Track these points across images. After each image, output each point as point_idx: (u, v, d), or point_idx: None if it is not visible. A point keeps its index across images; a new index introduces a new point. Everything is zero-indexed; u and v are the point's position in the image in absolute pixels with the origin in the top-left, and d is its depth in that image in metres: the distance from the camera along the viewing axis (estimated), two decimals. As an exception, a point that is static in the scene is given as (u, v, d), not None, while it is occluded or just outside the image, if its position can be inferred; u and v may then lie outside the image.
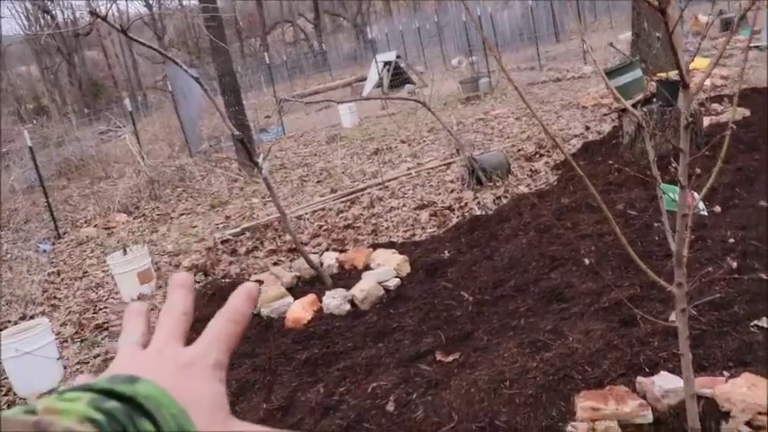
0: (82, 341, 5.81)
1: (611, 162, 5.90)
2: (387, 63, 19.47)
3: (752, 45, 13.24)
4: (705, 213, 4.11)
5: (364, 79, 21.87)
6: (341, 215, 7.55)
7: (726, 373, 3.02)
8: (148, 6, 37.41)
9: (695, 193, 2.43)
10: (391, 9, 47.27)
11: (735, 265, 2.26)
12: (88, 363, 5.36)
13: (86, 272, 8.00)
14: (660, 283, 2.39)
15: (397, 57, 20.43)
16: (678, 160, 2.30)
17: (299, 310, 4.64)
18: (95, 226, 10.21)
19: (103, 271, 7.64)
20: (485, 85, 15.15)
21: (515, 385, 3.18)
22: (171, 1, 41.13)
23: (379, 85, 19.06)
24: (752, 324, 3.35)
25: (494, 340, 3.79)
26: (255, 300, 0.56)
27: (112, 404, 0.42)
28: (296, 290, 5.16)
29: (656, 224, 4.63)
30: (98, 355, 5.44)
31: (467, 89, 15.16)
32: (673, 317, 2.40)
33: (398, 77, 19.54)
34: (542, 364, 3.28)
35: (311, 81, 30.29)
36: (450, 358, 3.72)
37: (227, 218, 8.89)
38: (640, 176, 3.84)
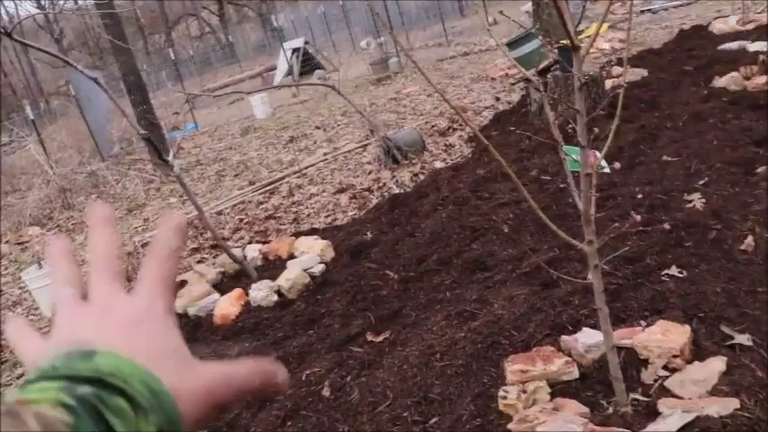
0: (2, 363, 5.57)
1: (521, 131, 6.03)
2: (295, 50, 19.28)
3: (644, 9, 13.76)
4: (608, 171, 4.26)
5: (274, 69, 21.62)
6: (261, 207, 7.46)
7: (642, 323, 3.16)
8: (40, 7, 35.77)
9: (596, 152, 2.51)
10: (295, -5, 46.73)
11: (638, 218, 2.35)
12: (11, 385, 5.15)
13: (1, 290, 7.66)
14: (571, 242, 2.47)
15: (306, 43, 20.25)
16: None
17: (227, 306, 4.58)
18: (7, 242, 9.77)
19: (20, 288, 7.33)
20: (394, 64, 15.20)
21: (446, 357, 3.23)
22: (65, 2, 39.46)
23: (290, 73, 18.87)
24: (663, 273, 3.50)
25: (422, 315, 3.83)
26: (184, 230, 0.53)
27: (82, 389, 0.41)
28: (222, 286, 5.08)
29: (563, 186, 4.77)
30: (21, 375, 5.23)
31: (377, 70, 15.19)
32: (590, 276, 2.48)
33: (308, 64, 19.38)
34: (470, 334, 3.34)
35: (221, 74, 29.71)
36: (381, 338, 3.75)
37: (146, 220, 8.66)
38: (549, 142, 3.95)
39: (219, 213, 7.62)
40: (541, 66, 6.26)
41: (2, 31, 3.27)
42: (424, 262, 4.47)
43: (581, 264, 3.82)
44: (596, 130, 2.31)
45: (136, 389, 0.43)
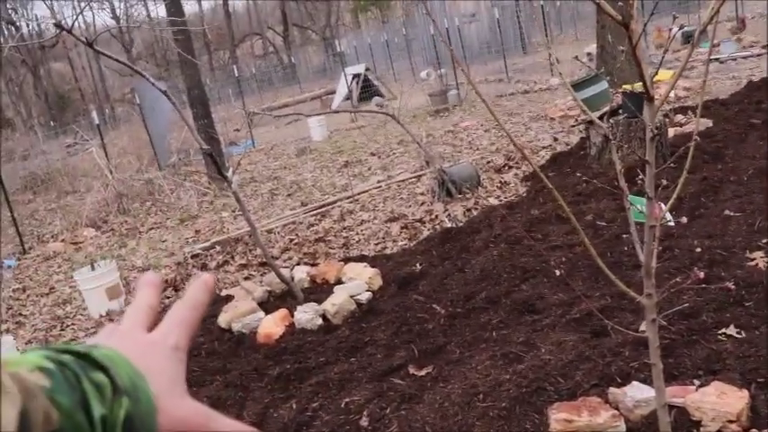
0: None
1: (579, 173, 5.96)
2: (356, 76, 19.52)
3: (712, 57, 13.55)
4: (672, 224, 4.16)
5: (333, 92, 21.90)
6: (311, 228, 7.52)
7: (696, 381, 3.05)
8: (116, 19, 37.09)
9: (662, 204, 2.46)
10: (359, 22, 47.48)
11: (702, 274, 2.28)
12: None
13: (53, 288, 7.85)
14: (630, 293, 2.41)
15: (366, 69, 20.49)
16: (645, 171, 2.33)
17: (271, 326, 4.60)
18: (62, 241, 10.04)
19: (71, 287, 7.50)
20: (453, 97, 15.24)
21: (489, 398, 3.18)
22: (138, 14, 40.85)
23: (348, 97, 19.09)
24: (720, 332, 3.40)
25: (466, 353, 3.78)
26: (212, 289, 0.61)
27: (66, 357, 0.44)
28: (267, 305, 5.11)
29: (624, 235, 4.68)
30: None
31: (436, 102, 15.24)
32: (643, 327, 2.42)
33: (367, 90, 19.59)
34: (515, 377, 3.28)
35: (281, 94, 30.22)
36: (424, 372, 3.71)
37: (197, 232, 8.80)
38: (608, 188, 3.88)
39: (270, 232, 7.70)
40: (606, 109, 6.19)
41: (84, 41, 3.38)
42: (472, 299, 4.43)
43: (633, 314, 3.73)
44: (664, 181, 2.25)
45: (120, 375, 0.45)
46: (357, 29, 45.05)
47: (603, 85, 6.98)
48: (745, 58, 13.41)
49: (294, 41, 48.31)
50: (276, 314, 4.70)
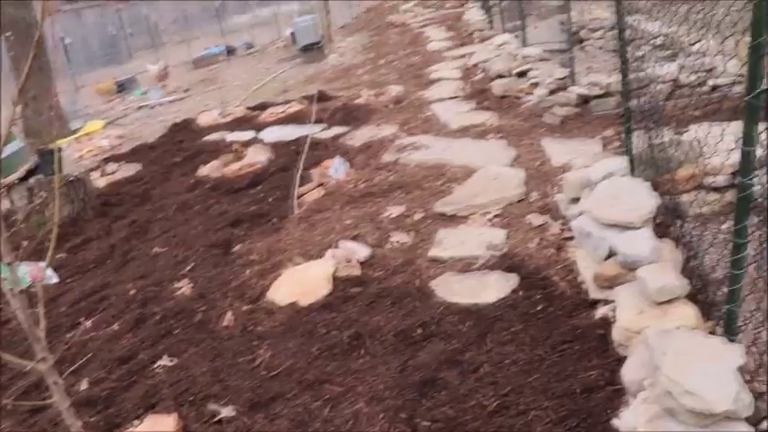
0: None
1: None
2: None
3: (141, 105, 14.23)
4: (56, 281, 4.14)
5: None
6: None
7: (136, 422, 3.12)
8: None
9: (40, 263, 2.42)
10: None
11: (89, 323, 2.31)
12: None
13: None
14: (22, 363, 2.31)
15: None
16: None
17: None
18: None
19: None
20: None
21: None
22: None
23: None
24: (155, 366, 3.54)
25: None
26: None
27: None
28: None
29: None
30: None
31: None
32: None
33: None
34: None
35: None
36: None
37: None
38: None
39: None
40: (23, 169, 5.91)
41: None
42: None
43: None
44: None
45: None
46: None
47: (17, 144, 6.66)
48: (171, 102, 14.39)
49: None
50: None
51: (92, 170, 7.43)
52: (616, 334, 2.80)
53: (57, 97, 9.74)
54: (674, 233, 3.36)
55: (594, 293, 3.23)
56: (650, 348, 2.26)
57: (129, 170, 7.64)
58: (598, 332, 2.98)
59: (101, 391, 3.39)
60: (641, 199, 3.35)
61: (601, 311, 3.11)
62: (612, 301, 3.02)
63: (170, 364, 3.54)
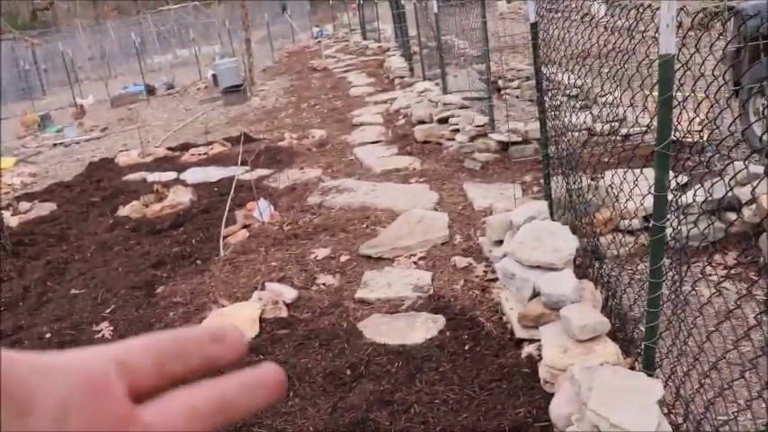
0: None
1: None
2: None
3: (56, 142, 13.82)
4: None
5: None
6: None
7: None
8: None
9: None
10: None
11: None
12: None
13: None
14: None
15: None
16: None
17: None
18: None
19: None
20: None
21: None
22: None
23: None
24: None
25: None
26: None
27: None
28: None
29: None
30: None
31: None
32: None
33: None
34: None
35: None
36: None
37: None
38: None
39: None
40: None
41: None
42: None
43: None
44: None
45: None
46: None
47: None
48: (88, 140, 14.03)
49: None
50: None
51: (2, 209, 7.14)
52: (543, 372, 2.89)
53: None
54: (594, 274, 3.52)
55: (520, 333, 3.33)
56: (576, 384, 2.35)
57: (43, 209, 7.38)
58: (525, 370, 3.07)
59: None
60: (562, 241, 3.50)
61: (527, 350, 3.20)
62: (538, 340, 3.11)
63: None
